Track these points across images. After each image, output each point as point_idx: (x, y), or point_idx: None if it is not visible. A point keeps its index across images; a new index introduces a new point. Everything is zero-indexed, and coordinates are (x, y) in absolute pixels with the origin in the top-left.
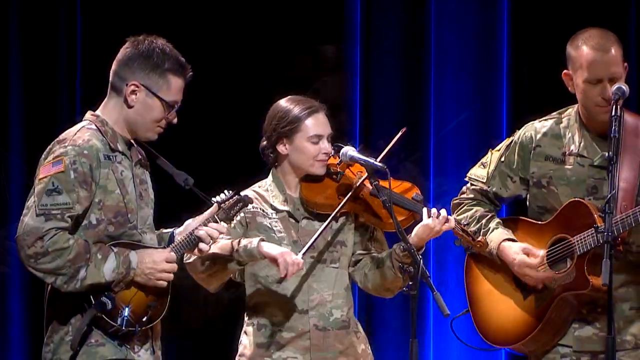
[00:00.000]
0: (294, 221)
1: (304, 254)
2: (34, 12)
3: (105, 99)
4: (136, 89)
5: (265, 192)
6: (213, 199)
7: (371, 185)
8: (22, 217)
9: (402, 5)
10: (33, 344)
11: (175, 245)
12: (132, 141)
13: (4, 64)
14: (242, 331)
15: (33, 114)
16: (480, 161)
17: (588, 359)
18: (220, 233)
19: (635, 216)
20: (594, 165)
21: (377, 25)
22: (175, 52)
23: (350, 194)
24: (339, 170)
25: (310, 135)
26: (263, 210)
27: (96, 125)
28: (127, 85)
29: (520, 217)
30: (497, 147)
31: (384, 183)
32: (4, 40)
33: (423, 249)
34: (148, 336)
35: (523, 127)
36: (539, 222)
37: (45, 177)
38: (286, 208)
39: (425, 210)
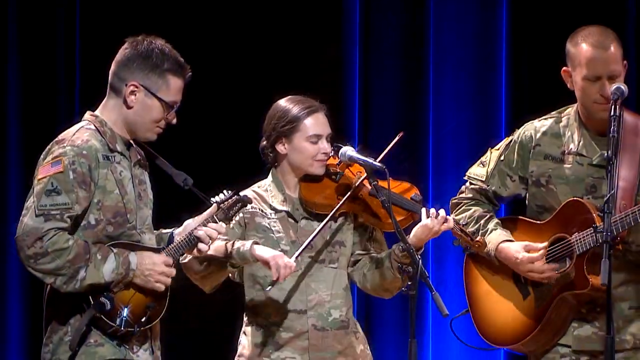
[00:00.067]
0: (292, 221)
1: (297, 257)
2: (33, 12)
3: (105, 99)
4: (135, 89)
5: (264, 192)
6: (212, 199)
7: (370, 185)
8: (21, 218)
9: (401, 5)
10: (32, 344)
11: (175, 246)
12: (131, 141)
13: (2, 64)
14: (241, 331)
15: (32, 114)
16: (480, 160)
17: (587, 359)
18: (219, 233)
19: (635, 215)
20: (593, 165)
21: (376, 25)
22: (174, 53)
23: (349, 194)
24: (338, 170)
25: (309, 135)
26: (262, 211)
27: (95, 126)
28: (126, 85)
29: (519, 217)
30: (497, 146)
31: (383, 183)
32: (3, 40)
33: (422, 250)
34: (147, 336)
35: (523, 126)
36: (538, 222)
37: (45, 177)
38: (285, 208)
39: (424, 210)
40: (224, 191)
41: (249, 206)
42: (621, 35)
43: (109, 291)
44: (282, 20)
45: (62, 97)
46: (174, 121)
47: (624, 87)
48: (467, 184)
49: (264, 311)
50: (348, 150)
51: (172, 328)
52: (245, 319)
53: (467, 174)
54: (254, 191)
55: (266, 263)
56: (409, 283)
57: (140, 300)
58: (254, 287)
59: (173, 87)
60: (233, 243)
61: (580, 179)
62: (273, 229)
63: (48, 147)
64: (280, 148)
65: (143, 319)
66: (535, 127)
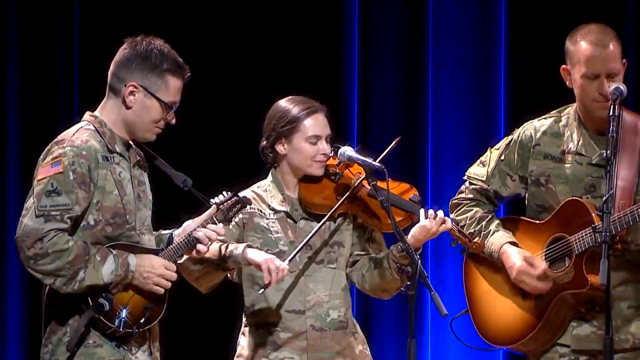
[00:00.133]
0: (291, 222)
1: (290, 260)
2: (33, 12)
3: (104, 99)
4: (134, 89)
5: (263, 192)
6: (212, 200)
7: (369, 185)
8: (21, 218)
9: (400, 5)
10: (31, 344)
11: (174, 247)
12: (130, 142)
13: (2, 64)
14: (240, 332)
15: (31, 114)
16: (479, 160)
17: (586, 359)
18: (218, 235)
19: (633, 214)
20: (592, 164)
21: (375, 25)
22: (173, 53)
23: (347, 194)
24: (337, 171)
25: (309, 136)
26: (260, 211)
27: (94, 126)
28: (125, 86)
29: (518, 217)
30: (497, 146)
31: (382, 184)
32: (3, 40)
33: (420, 250)
34: (146, 338)
35: (522, 126)
36: (537, 221)
37: (44, 178)
38: (284, 208)
39: (422, 211)
40: (224, 192)
41: (247, 206)
42: (620, 34)
43: (108, 292)
44: (281, 20)
45: (61, 97)
46: (173, 121)
47: (623, 87)
48: (467, 184)
49: (262, 311)
50: (347, 150)
51: (171, 328)
52: (244, 319)
53: (467, 173)
54: (253, 191)
55: (258, 266)
56: (408, 283)
57: (139, 302)
58: (253, 287)
59: (172, 88)
60: (227, 246)
61: (579, 178)
62: (271, 229)
63: (47, 147)
64: (279, 148)
65: (142, 320)
66: (535, 126)
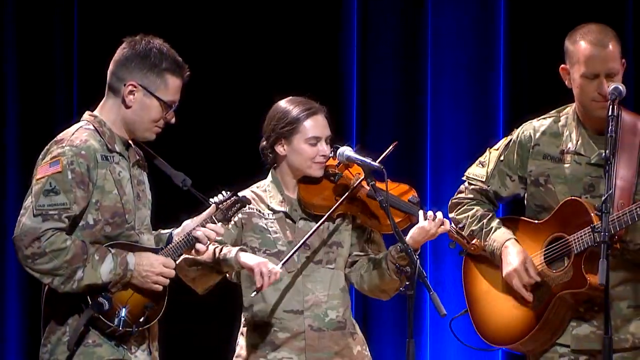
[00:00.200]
0: (290, 222)
1: (285, 262)
2: (31, 11)
3: (103, 99)
4: (134, 89)
5: (263, 192)
6: (211, 199)
7: (368, 185)
8: (19, 218)
9: (399, 5)
10: (30, 344)
11: (173, 247)
12: (130, 142)
13: (0, 64)
14: (239, 332)
15: (30, 113)
16: (478, 160)
17: (586, 359)
18: (218, 234)
19: (632, 214)
20: (591, 164)
21: (374, 25)
22: (172, 52)
23: (346, 194)
24: (337, 171)
25: (309, 137)
26: (259, 211)
27: (94, 126)
28: (124, 85)
29: (518, 217)
30: (496, 146)
31: (381, 185)
32: (1, 40)
33: (419, 251)
34: (145, 337)
35: (521, 126)
36: (536, 221)
37: (43, 177)
38: (283, 209)
39: (421, 212)
40: (223, 192)
41: (246, 206)
42: (620, 33)
43: (107, 291)
44: (280, 20)
45: (60, 97)
46: (173, 121)
47: (622, 87)
48: (466, 184)
49: (261, 311)
50: (346, 151)
51: (170, 329)
52: (242, 319)
53: (466, 174)
54: (252, 191)
55: (251, 270)
56: (407, 283)
57: (139, 301)
58: (251, 287)
59: (171, 87)
60: (221, 249)
61: (578, 178)
62: (270, 229)
63: (47, 147)
64: (279, 149)
65: (141, 319)
66: (534, 126)
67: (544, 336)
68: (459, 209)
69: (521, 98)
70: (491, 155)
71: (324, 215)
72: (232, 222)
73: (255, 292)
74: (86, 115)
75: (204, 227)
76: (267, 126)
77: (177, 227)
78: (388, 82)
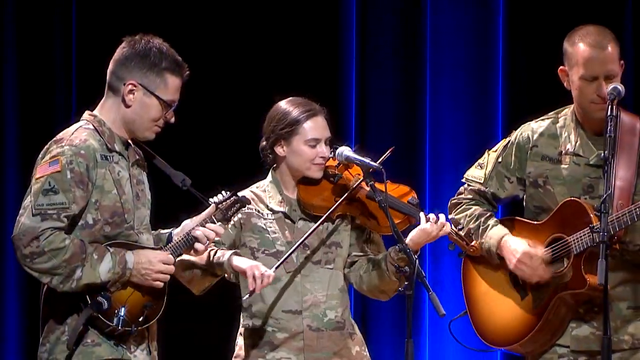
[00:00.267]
0: (289, 222)
1: (277, 267)
2: (30, 11)
3: (103, 98)
4: (134, 88)
5: (262, 192)
6: (210, 199)
7: (367, 185)
8: (18, 217)
9: (398, 5)
10: (29, 343)
11: (172, 246)
12: (129, 141)
13: (0, 64)
14: (238, 332)
15: (29, 113)
16: (477, 162)
17: (586, 359)
18: (217, 234)
19: (632, 214)
20: (589, 165)
21: (373, 25)
22: (172, 51)
23: (345, 195)
24: (337, 172)
25: (308, 139)
26: (258, 211)
27: (93, 125)
28: (124, 84)
29: (517, 218)
30: (494, 148)
31: (380, 185)
32: (0, 40)
33: (418, 252)
34: (144, 336)
35: (520, 128)
36: (536, 222)
37: (42, 176)
38: (282, 209)
39: (422, 215)
40: (223, 192)
41: (246, 206)
42: (619, 34)
43: (107, 290)
44: (280, 20)
45: (59, 97)
46: (173, 120)
47: (620, 87)
48: (465, 185)
49: (259, 312)
50: (345, 151)
51: (170, 328)
52: (241, 319)
53: (465, 176)
54: (252, 191)
55: (244, 273)
56: (406, 283)
57: (138, 300)
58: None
59: (171, 86)
60: (216, 252)
61: (577, 179)
62: (269, 229)
63: (46, 146)
64: (279, 150)
65: (140, 319)
66: (532, 128)
67: (544, 337)
68: (458, 208)
69: (520, 98)
70: (489, 157)
71: (323, 216)
72: (232, 223)
73: (248, 295)
74: (86, 114)
75: (204, 226)
76: (267, 127)
77: (177, 227)
78: (387, 82)
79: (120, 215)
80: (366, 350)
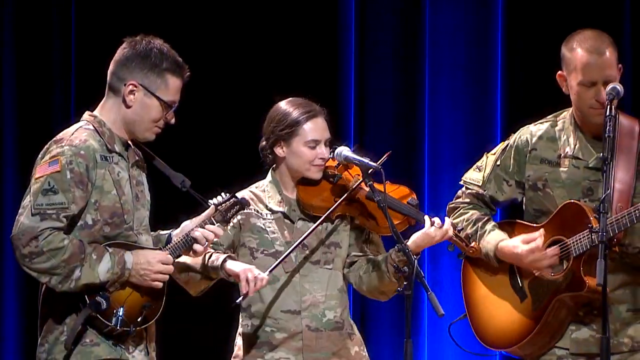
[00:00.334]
0: (289, 222)
1: (271, 271)
2: (28, 12)
3: (103, 99)
4: (134, 88)
5: (261, 192)
6: (210, 201)
7: (366, 185)
8: (17, 217)
9: (397, 5)
10: (28, 343)
11: (171, 247)
12: (129, 142)
13: None
14: (237, 332)
15: (27, 113)
16: (475, 165)
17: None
18: (217, 235)
19: (631, 216)
20: (589, 167)
21: (372, 25)
22: (172, 52)
23: (345, 196)
24: (336, 173)
25: (308, 140)
26: (257, 212)
27: (93, 126)
28: (125, 85)
29: (516, 220)
30: (493, 151)
31: (379, 186)
32: None
33: (419, 255)
34: (142, 337)
35: (518, 131)
36: (535, 225)
37: (42, 176)
38: (281, 209)
39: (428, 218)
40: (222, 194)
41: (245, 209)
42: (617, 36)
43: (105, 290)
44: (278, 21)
45: (57, 97)
46: (173, 121)
47: (619, 87)
48: (464, 188)
49: (258, 312)
50: (344, 151)
51: (169, 328)
52: (240, 319)
53: (463, 178)
54: (251, 191)
55: (237, 276)
56: (405, 283)
57: (137, 300)
58: None
59: (172, 87)
60: (210, 255)
61: (576, 182)
62: (268, 229)
63: (46, 146)
64: (278, 151)
65: (139, 319)
66: (531, 131)
67: (543, 339)
68: (456, 212)
69: (519, 98)
70: (488, 160)
71: (322, 216)
72: (231, 224)
73: (241, 298)
74: (86, 115)
75: (203, 228)
76: (267, 127)
77: (176, 228)
78: (386, 82)
79: (120, 216)
80: (365, 350)
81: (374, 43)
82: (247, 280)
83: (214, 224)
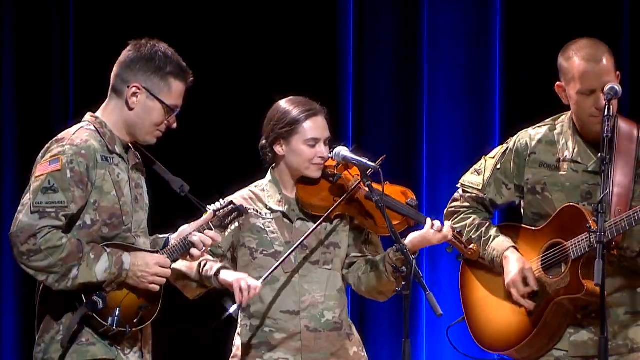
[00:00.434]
0: (288, 222)
1: (264, 279)
2: (28, 13)
3: (106, 101)
4: (137, 91)
5: (261, 191)
6: (208, 206)
7: (364, 185)
8: (16, 214)
9: (395, 5)
10: (26, 343)
11: (169, 250)
12: (129, 145)
13: None
14: (236, 332)
15: (26, 113)
16: (473, 168)
17: None
18: (214, 241)
19: (630, 219)
20: (588, 171)
21: (370, 25)
22: (177, 57)
23: (345, 196)
24: (336, 172)
25: (307, 138)
26: (257, 211)
27: (95, 127)
28: (128, 87)
29: (515, 224)
30: (491, 154)
31: (378, 186)
32: None
33: (417, 254)
34: (138, 339)
35: (517, 135)
36: (534, 228)
37: (42, 175)
38: (281, 209)
39: (429, 220)
40: (220, 200)
41: (243, 215)
42: (615, 40)
43: (102, 290)
44: (277, 21)
45: (56, 97)
46: (174, 125)
47: (617, 87)
48: (461, 192)
49: (257, 311)
50: (342, 151)
51: (168, 329)
52: (239, 319)
53: (461, 182)
54: (250, 191)
55: (230, 286)
56: (404, 283)
57: (133, 301)
58: None
59: (175, 91)
60: (205, 264)
61: (575, 185)
62: (267, 229)
63: (47, 145)
64: (278, 149)
65: (135, 320)
66: (530, 135)
67: (541, 342)
68: (456, 217)
69: (517, 99)
70: (487, 164)
71: (322, 216)
72: (229, 230)
73: (235, 308)
74: (87, 116)
75: (201, 232)
76: (267, 125)
77: (174, 233)
78: (385, 82)
79: (119, 217)
80: (364, 350)
81: (372, 43)
82: (241, 289)
83: (212, 229)
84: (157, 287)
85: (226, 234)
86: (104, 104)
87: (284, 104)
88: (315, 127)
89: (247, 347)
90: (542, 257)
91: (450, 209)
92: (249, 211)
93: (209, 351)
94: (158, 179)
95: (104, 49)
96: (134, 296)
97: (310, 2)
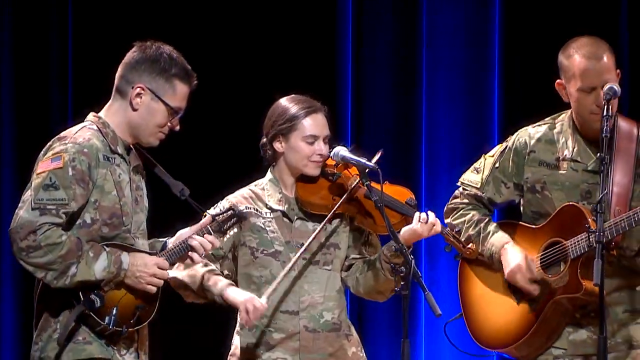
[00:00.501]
0: (287, 221)
1: (268, 297)
2: (26, 11)
3: (109, 101)
4: (142, 92)
5: (261, 190)
6: (207, 211)
7: (363, 185)
8: (17, 210)
9: (394, 5)
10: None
11: (167, 252)
12: (131, 146)
13: None
14: (234, 331)
15: (25, 112)
16: (473, 166)
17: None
18: (213, 246)
19: (630, 219)
20: (587, 170)
21: (369, 25)
22: (182, 59)
23: (345, 195)
24: (335, 171)
25: (306, 135)
26: (257, 210)
27: (97, 126)
28: (132, 88)
29: (514, 221)
30: (491, 153)
31: (377, 185)
32: None
33: (411, 248)
34: (134, 340)
35: (517, 133)
36: (534, 226)
37: (44, 172)
38: (281, 208)
39: (416, 214)
40: (220, 205)
41: (243, 207)
42: (615, 38)
43: (100, 289)
44: (276, 21)
45: (55, 96)
46: (177, 128)
47: (616, 86)
48: (461, 189)
49: None
50: (341, 150)
51: (167, 329)
52: (238, 318)
53: (461, 180)
54: (250, 190)
55: (237, 307)
56: (402, 283)
57: (131, 301)
58: (249, 287)
59: (179, 93)
60: (209, 277)
61: (575, 184)
62: (267, 229)
63: (49, 143)
64: (277, 146)
65: (132, 320)
66: (530, 133)
67: (539, 340)
68: (455, 214)
69: (516, 98)
70: (486, 162)
71: (321, 214)
72: (227, 236)
73: (240, 328)
74: (90, 116)
75: (201, 236)
76: (267, 123)
77: (172, 237)
78: (383, 82)
79: (119, 217)
80: (362, 351)
81: (371, 42)
82: (248, 312)
83: (211, 234)
84: (154, 289)
85: (225, 238)
86: (107, 105)
87: (284, 101)
88: (314, 124)
89: (245, 347)
90: (541, 255)
91: (450, 206)
92: (249, 210)
93: (208, 351)
94: (158, 181)
95: (102, 49)
96: (131, 296)
97: (310, 2)
